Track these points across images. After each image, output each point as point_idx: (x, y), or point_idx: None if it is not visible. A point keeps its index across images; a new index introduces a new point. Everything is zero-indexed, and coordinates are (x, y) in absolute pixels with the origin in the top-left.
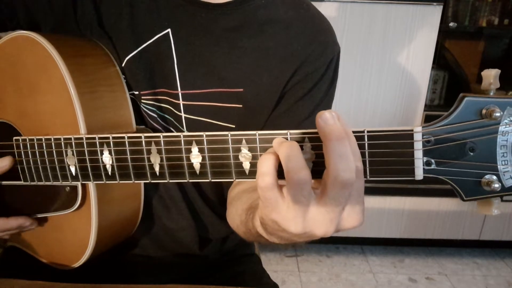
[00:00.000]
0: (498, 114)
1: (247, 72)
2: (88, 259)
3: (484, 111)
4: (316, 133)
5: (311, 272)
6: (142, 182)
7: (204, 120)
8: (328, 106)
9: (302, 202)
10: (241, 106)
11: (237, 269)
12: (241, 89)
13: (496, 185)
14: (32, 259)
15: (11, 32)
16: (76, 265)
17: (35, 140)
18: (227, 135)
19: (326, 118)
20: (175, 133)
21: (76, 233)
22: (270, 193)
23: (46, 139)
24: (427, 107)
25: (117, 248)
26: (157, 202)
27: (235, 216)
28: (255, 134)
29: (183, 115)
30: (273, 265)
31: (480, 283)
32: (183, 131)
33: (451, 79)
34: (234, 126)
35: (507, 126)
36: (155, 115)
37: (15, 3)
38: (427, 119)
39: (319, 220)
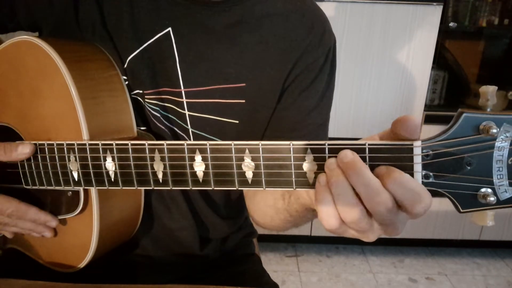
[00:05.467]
0: (494, 131)
1: (249, 67)
2: (89, 262)
3: (481, 127)
4: (319, 144)
5: (311, 272)
6: (145, 189)
7: (208, 117)
8: (330, 96)
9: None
10: (243, 101)
11: (237, 269)
12: (243, 84)
13: (492, 198)
14: (32, 260)
15: (13, 36)
16: (77, 268)
17: (37, 145)
18: (230, 144)
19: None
20: (179, 141)
21: (77, 236)
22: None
23: (48, 144)
24: (427, 107)
25: (117, 249)
26: (158, 202)
27: (265, 209)
28: (258, 144)
29: (187, 113)
30: (273, 265)
31: (480, 283)
32: (187, 129)
33: (451, 79)
34: (237, 122)
35: (503, 141)
36: (159, 115)
37: (15, 3)
38: (427, 119)
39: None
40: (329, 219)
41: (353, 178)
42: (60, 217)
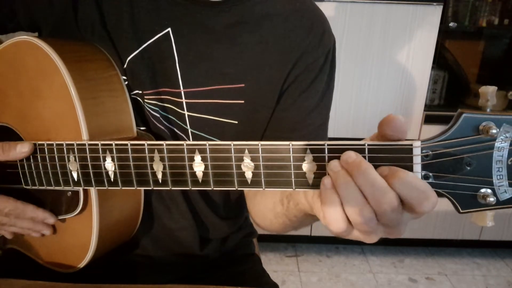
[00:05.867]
0: (494, 131)
1: (248, 67)
2: (88, 262)
3: (481, 128)
4: (318, 144)
5: (311, 272)
6: (144, 189)
7: (207, 118)
8: (330, 96)
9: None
10: (243, 102)
11: (237, 269)
12: (243, 85)
13: (491, 199)
14: (32, 260)
15: (13, 36)
16: (77, 268)
17: (37, 145)
18: (229, 145)
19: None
20: (178, 142)
21: (77, 236)
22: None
23: (48, 144)
24: (427, 107)
25: (117, 249)
26: (158, 201)
27: (265, 212)
28: (257, 144)
29: (186, 113)
30: (273, 265)
31: (480, 283)
32: (187, 129)
33: (451, 79)
34: (236, 122)
35: (503, 142)
36: (158, 115)
37: (15, 3)
38: (427, 119)
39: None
40: (337, 222)
41: (359, 178)
42: (60, 217)
